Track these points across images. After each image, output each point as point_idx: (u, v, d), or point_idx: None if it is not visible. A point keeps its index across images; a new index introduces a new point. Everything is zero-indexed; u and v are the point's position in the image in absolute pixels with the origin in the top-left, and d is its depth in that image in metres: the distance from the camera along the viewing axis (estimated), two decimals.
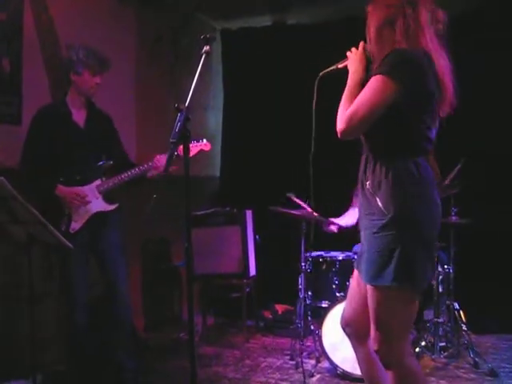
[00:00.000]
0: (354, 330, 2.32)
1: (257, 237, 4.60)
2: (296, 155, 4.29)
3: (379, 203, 2.08)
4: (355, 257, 3.36)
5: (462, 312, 3.80)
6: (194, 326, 2.62)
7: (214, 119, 5.78)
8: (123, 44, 4.61)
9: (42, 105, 3.42)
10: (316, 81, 2.30)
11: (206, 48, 2.28)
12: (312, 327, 3.96)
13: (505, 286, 4.36)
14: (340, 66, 2.30)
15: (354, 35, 2.29)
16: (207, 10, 5.33)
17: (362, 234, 2.20)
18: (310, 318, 4.00)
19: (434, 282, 3.69)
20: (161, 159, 3.30)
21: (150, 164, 3.31)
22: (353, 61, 2.22)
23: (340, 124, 2.08)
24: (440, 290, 3.73)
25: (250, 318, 4.71)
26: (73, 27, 4.04)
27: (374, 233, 2.09)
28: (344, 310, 2.38)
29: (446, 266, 3.76)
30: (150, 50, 4.87)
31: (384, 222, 2.06)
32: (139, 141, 4.65)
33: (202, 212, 4.54)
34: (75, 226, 3.22)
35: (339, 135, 2.09)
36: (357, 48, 2.26)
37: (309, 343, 4.07)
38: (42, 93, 3.83)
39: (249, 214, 4.52)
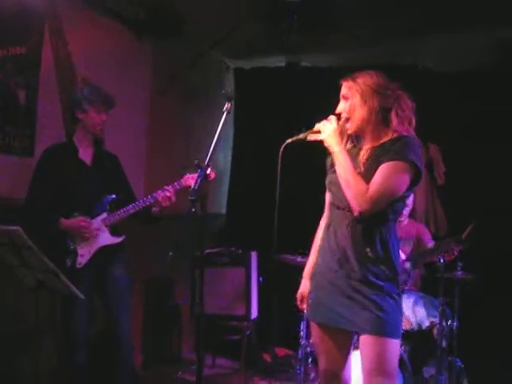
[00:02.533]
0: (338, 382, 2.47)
1: (260, 279, 4.58)
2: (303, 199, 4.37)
3: (382, 267, 2.31)
4: None
5: (463, 368, 3.75)
6: (202, 365, 2.60)
7: (223, 156, 5.81)
8: (138, 79, 4.67)
9: (54, 141, 3.46)
10: (281, 148, 2.41)
11: (228, 105, 2.34)
12: (312, 374, 3.92)
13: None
14: (311, 138, 2.42)
15: None
16: (221, 47, 5.40)
17: (355, 296, 2.32)
18: (310, 364, 3.96)
19: (438, 337, 3.65)
20: (160, 193, 3.28)
21: (155, 195, 3.30)
22: (332, 135, 2.37)
23: (363, 205, 2.25)
24: (443, 345, 3.68)
25: (250, 361, 4.66)
26: (90, 62, 4.11)
27: (384, 294, 2.29)
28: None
29: (449, 321, 3.72)
30: (163, 85, 4.92)
31: (391, 285, 2.32)
32: (148, 176, 4.67)
33: (207, 251, 4.53)
34: (82, 260, 3.21)
35: (359, 214, 2.27)
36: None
37: None
38: (55, 126, 3.87)
39: (254, 255, 4.51)
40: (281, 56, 5.51)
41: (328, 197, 2.56)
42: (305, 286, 2.64)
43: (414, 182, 2.32)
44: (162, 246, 3.75)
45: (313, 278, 2.53)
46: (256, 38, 4.93)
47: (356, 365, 2.49)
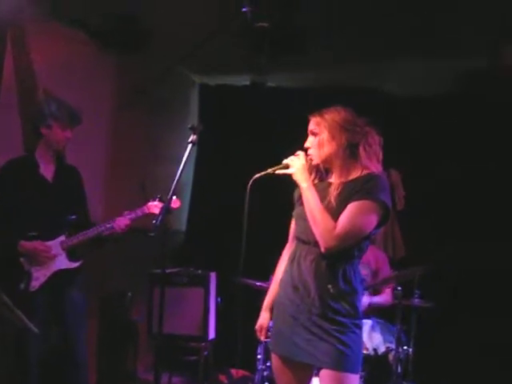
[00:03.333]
0: None
1: (218, 299, 4.53)
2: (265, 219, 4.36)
3: (343, 303, 2.31)
4: None
5: None
6: None
7: (185, 172, 5.72)
8: (100, 92, 4.59)
9: (11, 153, 3.36)
10: (249, 184, 2.43)
11: (193, 138, 2.36)
12: None
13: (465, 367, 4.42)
14: (279, 172, 2.44)
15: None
16: (188, 62, 5.36)
17: (316, 330, 2.31)
18: None
19: (393, 363, 3.67)
20: (122, 221, 3.25)
21: (117, 222, 3.25)
22: (300, 171, 2.40)
23: (330, 242, 2.27)
24: (398, 370, 3.70)
25: (206, 381, 4.59)
26: (52, 72, 4.02)
27: (346, 330, 2.29)
28: None
29: (405, 347, 3.75)
30: (127, 99, 4.86)
31: (353, 321, 2.33)
32: (107, 194, 4.58)
33: (167, 271, 4.46)
34: (36, 283, 3.11)
35: (326, 250, 2.28)
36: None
37: None
38: (13, 138, 3.76)
39: (213, 276, 4.46)
40: (246, 75, 5.52)
41: (293, 229, 2.56)
42: (264, 318, 2.63)
43: (382, 222, 2.35)
44: (118, 261, 3.68)
45: (274, 309, 2.52)
46: (223, 55, 4.92)
47: None
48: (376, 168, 2.38)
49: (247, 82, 5.60)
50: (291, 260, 2.45)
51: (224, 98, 5.66)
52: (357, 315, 2.34)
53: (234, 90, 5.67)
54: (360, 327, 2.37)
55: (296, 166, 2.41)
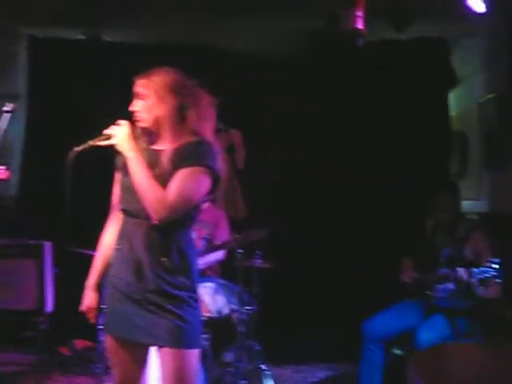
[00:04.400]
0: None
1: (56, 270, 4.29)
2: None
3: (179, 276, 2.24)
4: None
5: (261, 351, 3.89)
6: None
7: (17, 128, 5.24)
8: None
9: None
10: (72, 157, 2.28)
11: (11, 106, 2.11)
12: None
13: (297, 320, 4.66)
14: (100, 143, 2.29)
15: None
16: (14, 12, 4.86)
17: (152, 308, 2.23)
18: None
19: (237, 323, 3.73)
20: None
21: None
22: (124, 140, 2.25)
23: (162, 212, 2.15)
24: (242, 330, 3.77)
25: (46, 356, 4.36)
26: None
27: (183, 304, 2.23)
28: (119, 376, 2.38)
29: (248, 308, 3.81)
30: None
31: (190, 294, 2.26)
32: None
33: None
34: None
35: (158, 221, 2.17)
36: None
37: (109, 383, 3.88)
38: None
39: (48, 246, 4.19)
40: (81, 28, 5.15)
41: (117, 202, 2.41)
42: (91, 297, 2.45)
43: (212, 188, 2.29)
44: None
45: (107, 288, 2.36)
46: (55, 6, 4.53)
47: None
48: (207, 132, 2.31)
49: (82, 36, 5.26)
50: (121, 237, 2.31)
51: (56, 51, 5.24)
52: (193, 288, 2.29)
53: (68, 44, 5.26)
54: (197, 300, 2.32)
55: (119, 135, 2.25)
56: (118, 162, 2.39)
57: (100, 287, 2.46)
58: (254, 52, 5.15)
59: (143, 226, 2.23)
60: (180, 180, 2.18)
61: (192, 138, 2.28)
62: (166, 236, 2.22)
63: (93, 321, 2.48)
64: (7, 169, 3.14)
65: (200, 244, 4.00)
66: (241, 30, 4.95)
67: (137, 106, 2.30)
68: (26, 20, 5.05)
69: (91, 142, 2.30)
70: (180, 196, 2.16)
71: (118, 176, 2.41)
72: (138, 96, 2.30)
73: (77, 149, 2.29)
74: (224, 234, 4.14)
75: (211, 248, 4.00)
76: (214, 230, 4.15)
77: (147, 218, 2.20)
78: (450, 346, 2.69)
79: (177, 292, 2.22)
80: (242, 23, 4.80)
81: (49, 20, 4.98)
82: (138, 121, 2.29)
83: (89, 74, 5.06)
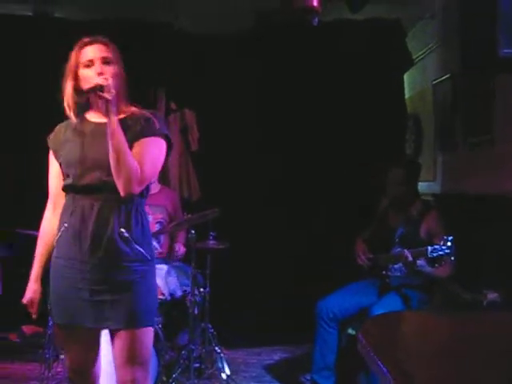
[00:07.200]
0: (87, 378, 2.28)
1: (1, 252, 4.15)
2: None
3: (140, 249, 2.16)
4: None
5: (215, 333, 3.84)
6: None
7: None
8: None
9: None
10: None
11: None
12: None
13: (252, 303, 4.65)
14: (98, 92, 2.09)
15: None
16: None
17: (105, 288, 2.14)
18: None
19: (190, 306, 3.67)
20: None
21: None
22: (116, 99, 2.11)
23: (135, 185, 2.07)
24: (195, 312, 3.71)
25: None
26: None
27: (139, 279, 2.15)
28: (72, 370, 2.29)
29: (202, 290, 3.76)
30: None
31: (147, 267, 2.18)
32: None
33: None
34: None
35: (127, 194, 2.09)
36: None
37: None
38: None
39: None
40: (29, 4, 4.94)
41: (58, 184, 2.26)
42: (33, 290, 2.30)
43: (166, 157, 2.28)
44: None
45: (52, 277, 2.23)
46: None
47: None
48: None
49: (30, 12, 5.05)
50: (68, 216, 2.16)
51: (2, 28, 5.03)
52: (152, 260, 2.22)
53: (15, 20, 5.05)
54: (153, 274, 2.24)
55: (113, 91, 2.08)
56: (54, 141, 2.26)
57: (44, 278, 2.32)
58: (202, 31, 5.03)
59: (99, 199, 2.12)
60: (147, 152, 2.14)
61: (132, 109, 2.23)
62: (124, 208, 2.13)
63: (34, 316, 2.33)
64: None
65: (155, 228, 3.94)
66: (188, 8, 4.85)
67: (107, 71, 2.15)
68: None
69: (88, 87, 2.12)
70: (149, 167, 2.14)
71: (53, 158, 2.27)
72: (105, 61, 2.16)
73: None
74: (179, 216, 4.07)
75: (164, 229, 3.93)
76: (173, 213, 4.09)
77: (105, 190, 2.10)
78: (400, 313, 2.69)
79: (135, 265, 2.14)
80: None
81: None
82: (107, 87, 2.07)
83: (38, 53, 4.87)
